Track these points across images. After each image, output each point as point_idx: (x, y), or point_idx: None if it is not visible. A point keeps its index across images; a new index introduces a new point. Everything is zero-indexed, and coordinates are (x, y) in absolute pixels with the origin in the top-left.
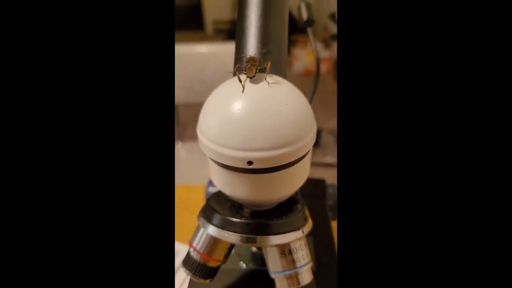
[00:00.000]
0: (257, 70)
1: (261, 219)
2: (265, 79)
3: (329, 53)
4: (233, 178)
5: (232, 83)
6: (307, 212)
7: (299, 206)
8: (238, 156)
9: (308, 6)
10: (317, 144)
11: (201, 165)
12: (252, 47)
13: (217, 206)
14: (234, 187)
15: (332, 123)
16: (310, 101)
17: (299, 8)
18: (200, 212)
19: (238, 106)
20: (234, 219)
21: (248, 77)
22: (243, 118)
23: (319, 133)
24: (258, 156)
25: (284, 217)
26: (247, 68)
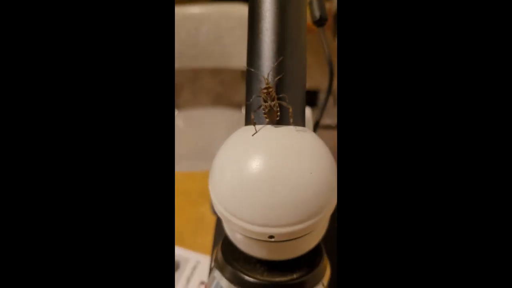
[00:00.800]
0: (278, 113)
1: (279, 278)
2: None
3: (328, 5)
4: (252, 243)
5: (248, 137)
6: (326, 260)
7: (320, 256)
8: (257, 231)
9: (321, 2)
10: (314, 104)
11: (201, 135)
12: (267, 58)
13: (231, 254)
14: (252, 249)
15: None
16: (324, 108)
17: (310, 3)
18: (214, 257)
19: (257, 175)
20: (249, 279)
21: (268, 122)
22: (264, 192)
23: (316, 93)
24: (280, 231)
25: (304, 273)
26: (267, 110)
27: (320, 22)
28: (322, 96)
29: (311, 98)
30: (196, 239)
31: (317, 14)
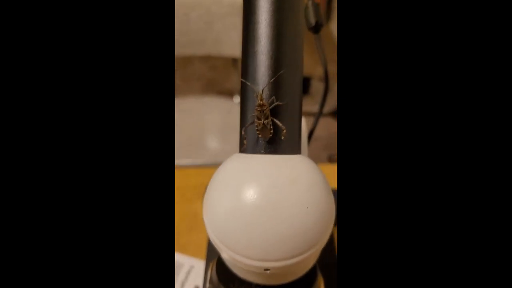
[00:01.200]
0: (271, 131)
1: None
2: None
3: None
4: (246, 271)
5: (241, 165)
6: (320, 278)
7: (314, 274)
8: (253, 265)
9: (317, 7)
10: (306, 92)
11: (193, 124)
12: (262, 75)
13: (226, 275)
14: (247, 276)
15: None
16: (317, 122)
17: (306, 9)
18: (209, 277)
19: (253, 210)
20: None
21: (262, 139)
22: (260, 227)
23: (308, 80)
24: (276, 265)
25: None
26: (260, 128)
27: (315, 28)
28: (314, 83)
29: (302, 85)
30: (190, 236)
31: (312, 20)
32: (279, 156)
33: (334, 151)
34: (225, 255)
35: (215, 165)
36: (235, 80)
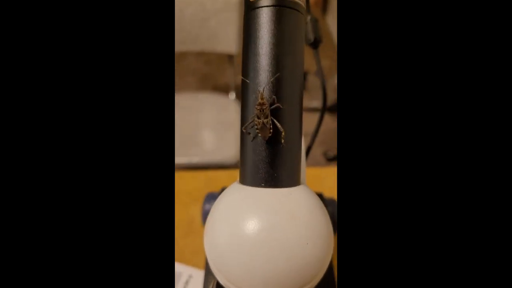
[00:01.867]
0: (271, 130)
1: None
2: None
3: None
4: None
5: (243, 200)
6: None
7: None
8: None
9: (315, 23)
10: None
11: (188, 121)
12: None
13: None
14: None
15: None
16: (313, 141)
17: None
18: None
19: (252, 243)
20: None
21: (261, 137)
22: (260, 263)
23: (304, 75)
24: None
25: None
26: (259, 127)
27: (314, 44)
28: (310, 78)
29: None
30: (187, 241)
31: (311, 36)
32: (280, 190)
33: (329, 147)
34: (225, 285)
35: (210, 166)
36: (230, 74)
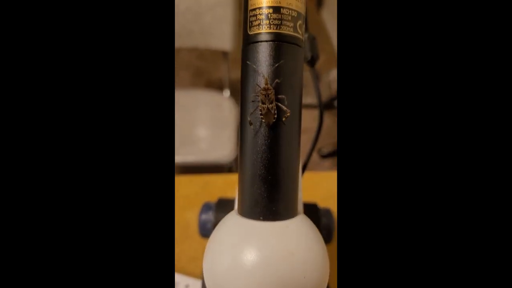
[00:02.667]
0: (275, 116)
1: None
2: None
3: None
4: None
5: (241, 234)
6: None
7: None
8: None
9: (313, 41)
10: None
11: (181, 119)
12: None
13: None
14: None
15: None
16: (308, 159)
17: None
18: None
19: (250, 276)
20: None
21: (265, 124)
22: None
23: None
24: None
25: None
26: (264, 112)
27: (311, 62)
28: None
29: None
30: (183, 248)
31: (308, 54)
32: (278, 224)
33: (323, 144)
34: None
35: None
36: (224, 68)
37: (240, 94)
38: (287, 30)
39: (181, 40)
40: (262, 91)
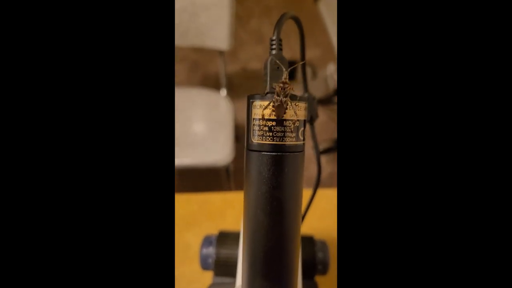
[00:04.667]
0: (285, 111)
1: None
2: None
3: None
4: None
5: None
6: None
7: None
8: None
9: (312, 101)
10: (292, 78)
11: (177, 118)
12: None
13: None
14: None
15: (309, 53)
16: (305, 213)
17: None
18: None
19: None
20: None
21: (275, 115)
22: None
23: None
24: None
25: None
26: (276, 104)
27: (310, 121)
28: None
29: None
30: (183, 270)
31: (308, 115)
32: None
33: (319, 140)
34: None
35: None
36: (220, 64)
37: (244, 202)
38: (290, 141)
39: (176, 39)
40: (280, 84)
